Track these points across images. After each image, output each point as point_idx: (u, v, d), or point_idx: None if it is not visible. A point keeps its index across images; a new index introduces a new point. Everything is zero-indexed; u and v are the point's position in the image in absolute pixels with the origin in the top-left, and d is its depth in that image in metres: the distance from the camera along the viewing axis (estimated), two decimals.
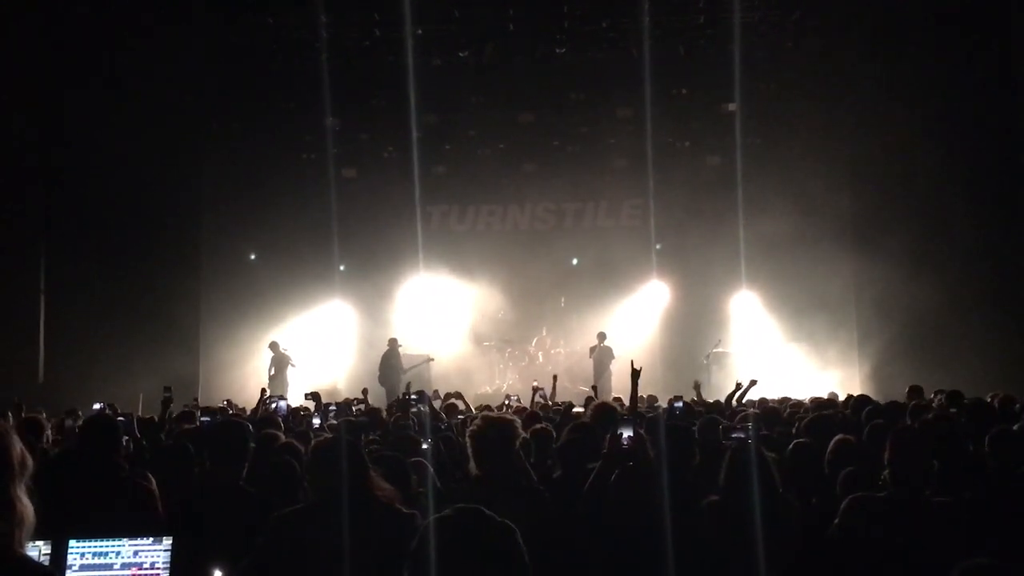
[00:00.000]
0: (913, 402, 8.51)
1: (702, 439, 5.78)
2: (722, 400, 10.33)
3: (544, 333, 19.40)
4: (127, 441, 5.89)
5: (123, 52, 15.54)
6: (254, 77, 17.99)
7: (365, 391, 11.48)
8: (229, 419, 6.90)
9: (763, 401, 10.33)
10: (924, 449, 4.23)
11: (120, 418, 6.23)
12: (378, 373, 16.59)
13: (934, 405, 8.51)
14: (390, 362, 16.89)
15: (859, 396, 9.14)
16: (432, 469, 5.24)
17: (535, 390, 10.90)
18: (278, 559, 3.53)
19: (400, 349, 17.19)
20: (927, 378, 11.14)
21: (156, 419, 8.09)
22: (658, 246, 18.87)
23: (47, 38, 15.40)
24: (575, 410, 8.62)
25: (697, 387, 10.74)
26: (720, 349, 17.55)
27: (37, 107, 15.87)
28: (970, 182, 15.39)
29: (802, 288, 17.36)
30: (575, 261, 19.52)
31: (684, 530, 4.26)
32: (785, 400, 10.92)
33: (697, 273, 17.95)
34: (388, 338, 17.33)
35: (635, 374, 6.72)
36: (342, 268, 18.81)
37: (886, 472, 4.17)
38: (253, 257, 19.22)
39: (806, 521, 4.46)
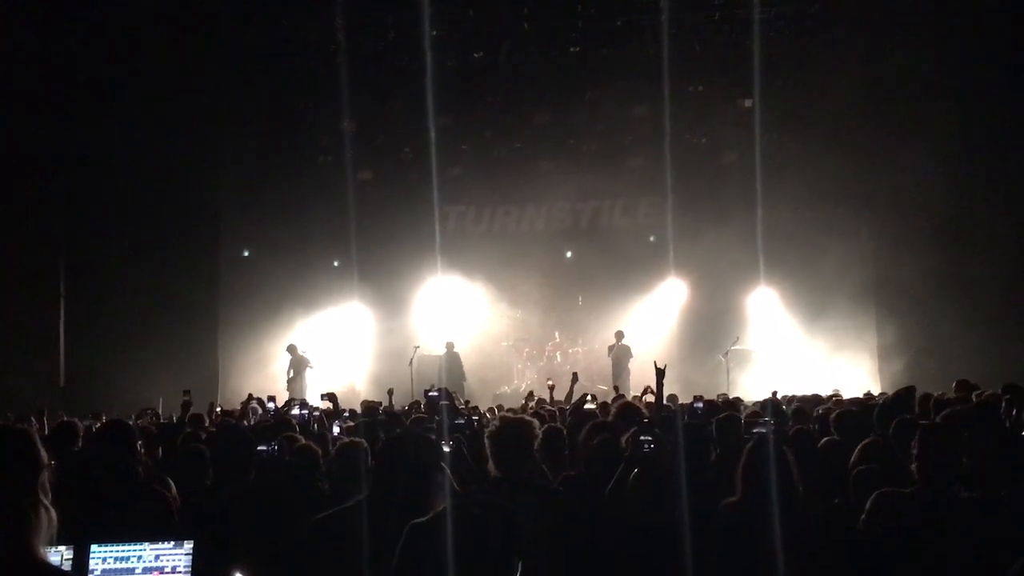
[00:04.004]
0: (932, 396, 8.33)
1: (721, 437, 5.70)
2: (742, 397, 10.27)
3: (557, 337, 19.34)
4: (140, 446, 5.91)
5: (139, 57, 15.62)
6: (270, 80, 18.04)
7: (391, 392, 11.38)
8: (233, 426, 6.97)
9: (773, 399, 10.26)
10: (951, 445, 4.16)
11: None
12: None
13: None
14: (451, 367, 16.76)
15: (906, 388, 8.90)
16: (449, 471, 5.20)
17: (551, 388, 10.91)
18: (325, 556, 3.51)
19: (456, 351, 17.16)
20: (950, 372, 11.01)
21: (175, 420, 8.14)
22: (652, 238, 18.91)
23: (64, 45, 15.51)
24: (587, 406, 8.59)
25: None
26: (738, 346, 17.43)
27: (56, 115, 15.99)
28: (992, 173, 15.23)
29: (821, 284, 17.24)
30: (568, 254, 19.45)
31: (702, 529, 4.23)
32: (817, 397, 10.81)
33: (715, 270, 17.82)
34: (446, 341, 17.34)
35: (659, 373, 6.60)
36: (336, 264, 18.93)
37: (914, 466, 4.12)
38: (246, 253, 19.26)
39: (828, 519, 4.41)
